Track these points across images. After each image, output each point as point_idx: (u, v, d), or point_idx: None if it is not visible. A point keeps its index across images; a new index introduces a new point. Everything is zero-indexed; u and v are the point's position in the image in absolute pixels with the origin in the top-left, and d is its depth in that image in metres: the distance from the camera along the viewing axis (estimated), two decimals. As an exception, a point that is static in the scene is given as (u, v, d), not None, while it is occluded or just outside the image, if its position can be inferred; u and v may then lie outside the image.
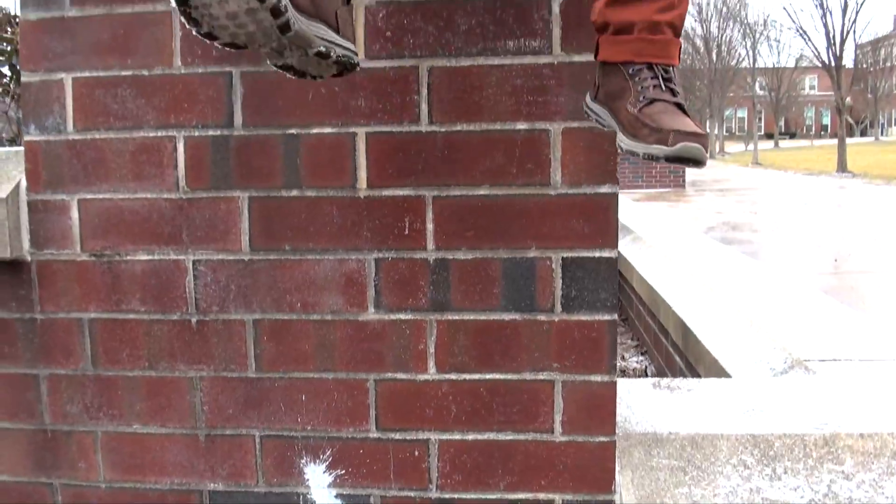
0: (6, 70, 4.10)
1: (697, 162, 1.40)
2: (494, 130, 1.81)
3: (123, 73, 1.92)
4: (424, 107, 1.81)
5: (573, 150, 1.79)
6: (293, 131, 1.85)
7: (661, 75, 1.49)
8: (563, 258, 1.82)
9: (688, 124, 1.40)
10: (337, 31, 1.43)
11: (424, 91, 1.81)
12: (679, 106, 1.46)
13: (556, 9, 1.77)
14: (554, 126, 1.79)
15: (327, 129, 1.84)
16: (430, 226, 1.84)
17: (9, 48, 4.07)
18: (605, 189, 1.80)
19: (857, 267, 8.52)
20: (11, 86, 4.10)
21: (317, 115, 1.85)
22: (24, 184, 1.98)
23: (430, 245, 1.84)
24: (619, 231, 4.93)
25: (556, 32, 1.78)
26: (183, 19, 1.25)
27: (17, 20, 4.23)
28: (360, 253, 1.86)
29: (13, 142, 4.30)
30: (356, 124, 1.83)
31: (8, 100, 4.21)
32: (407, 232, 1.85)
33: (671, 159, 1.41)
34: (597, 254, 1.81)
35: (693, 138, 1.37)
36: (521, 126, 1.80)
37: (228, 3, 1.23)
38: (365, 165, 1.84)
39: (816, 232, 11.22)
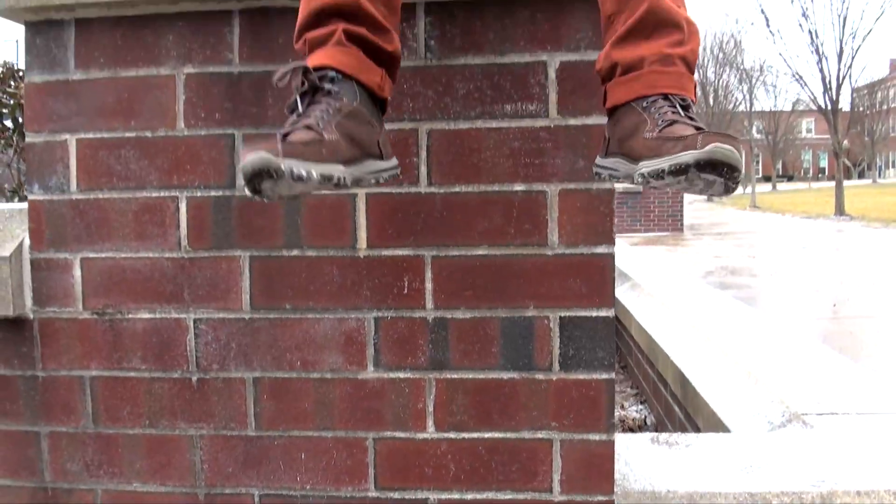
0: (9, 123, 4.15)
1: (732, 168, 1.26)
2: (492, 192, 1.83)
3: (127, 134, 1.95)
4: (423, 169, 1.84)
5: (570, 211, 1.82)
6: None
7: (679, 104, 1.40)
8: (560, 317, 1.83)
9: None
10: (381, 157, 1.50)
11: (424, 153, 1.84)
12: (701, 130, 1.33)
13: (552, 74, 1.81)
14: (551, 187, 1.82)
15: (328, 190, 1.87)
16: (429, 285, 1.86)
17: (12, 102, 4.12)
18: (601, 249, 1.82)
19: (855, 312, 8.53)
20: (14, 138, 4.14)
21: (317, 177, 1.87)
22: (27, 242, 2.01)
23: (429, 304, 1.86)
24: (617, 278, 4.91)
25: (553, 97, 1.81)
26: (255, 198, 1.34)
27: (21, 73, 4.29)
28: (359, 312, 1.88)
29: (15, 192, 4.34)
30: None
31: (11, 152, 4.25)
32: (406, 291, 1.87)
33: (703, 165, 1.26)
34: (594, 313, 1.83)
35: (724, 139, 1.26)
36: (519, 187, 1.83)
37: (297, 188, 1.34)
38: (365, 226, 1.87)
39: (815, 276, 11.24)
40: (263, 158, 1.28)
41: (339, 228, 1.87)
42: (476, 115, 1.83)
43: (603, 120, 1.76)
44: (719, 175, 1.27)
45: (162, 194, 1.94)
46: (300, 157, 1.31)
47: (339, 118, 1.41)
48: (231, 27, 1.90)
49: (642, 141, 1.38)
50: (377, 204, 1.86)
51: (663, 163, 1.31)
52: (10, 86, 4.18)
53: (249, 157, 1.29)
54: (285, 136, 1.36)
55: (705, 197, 45.38)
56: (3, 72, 4.23)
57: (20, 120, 4.03)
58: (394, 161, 1.56)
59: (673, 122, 1.36)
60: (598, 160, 1.58)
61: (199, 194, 1.92)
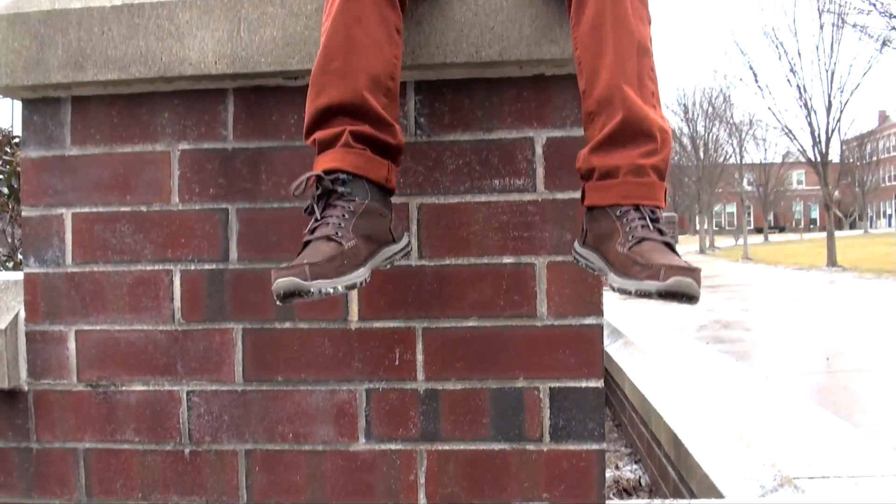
0: (4, 189, 4.18)
1: (690, 297, 1.38)
2: (482, 264, 1.87)
3: (122, 208, 1.98)
4: (415, 242, 1.87)
5: (558, 283, 1.85)
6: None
7: (649, 216, 1.51)
8: (550, 388, 1.85)
9: (678, 261, 1.42)
10: (394, 241, 1.64)
11: (415, 227, 1.88)
12: (668, 245, 1.48)
13: (539, 150, 1.85)
14: (539, 260, 1.85)
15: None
16: (420, 357, 1.88)
17: (7, 168, 4.16)
18: (590, 321, 1.85)
19: (849, 365, 8.54)
20: (10, 204, 4.17)
21: (310, 251, 1.91)
22: (22, 314, 2.03)
23: (420, 376, 1.88)
24: (610, 335, 4.97)
25: (540, 172, 1.85)
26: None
27: (17, 140, 4.34)
28: (351, 384, 1.90)
29: (9, 257, 4.36)
30: (348, 259, 1.89)
31: (7, 217, 4.28)
32: (397, 363, 1.89)
33: (664, 294, 1.39)
34: (583, 384, 1.85)
35: (685, 273, 1.37)
36: (508, 259, 1.86)
37: (314, 296, 1.44)
38: (357, 298, 1.89)
39: (808, 329, 11.26)
40: (294, 283, 1.41)
41: (331, 300, 1.90)
42: (465, 189, 1.87)
43: (589, 194, 1.80)
44: (679, 301, 1.39)
45: (156, 267, 1.97)
46: (326, 276, 1.44)
47: (355, 220, 1.53)
48: (225, 105, 1.95)
49: (615, 252, 1.51)
50: (369, 277, 1.88)
51: (630, 286, 1.45)
52: (5, 152, 4.22)
53: (281, 282, 1.42)
54: (306, 244, 1.51)
55: (697, 249, 45.59)
56: (-1, 138, 4.28)
57: (15, 186, 4.07)
58: (405, 240, 1.70)
59: (642, 240, 1.48)
60: (577, 248, 1.67)
61: (192, 267, 1.95)
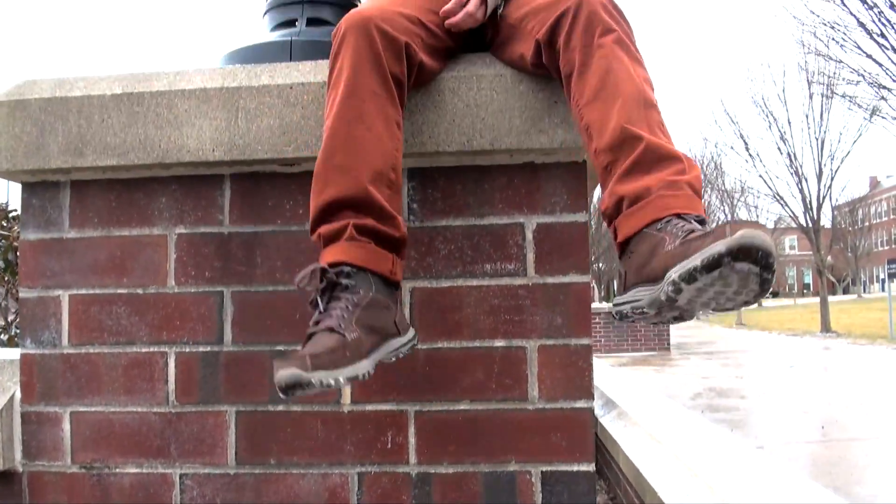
0: (0, 262, 4.21)
1: (767, 254, 1.22)
2: (474, 347, 1.89)
3: (119, 291, 2.01)
4: (407, 326, 1.89)
5: (549, 367, 1.87)
6: (281, 348, 1.93)
7: (695, 219, 1.40)
8: (542, 472, 1.86)
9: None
10: (399, 334, 1.63)
11: (408, 310, 1.90)
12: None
13: (529, 235, 1.89)
14: (530, 343, 1.88)
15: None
16: (412, 440, 1.89)
17: (3, 243, 4.19)
18: (580, 404, 1.86)
19: (845, 434, 8.50)
20: (6, 276, 4.20)
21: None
22: (18, 395, 2.04)
23: (413, 459, 1.89)
24: (604, 406, 4.93)
25: (530, 256, 1.89)
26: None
27: (13, 214, 4.38)
28: (343, 467, 1.91)
29: (4, 330, 4.37)
30: (341, 342, 1.91)
31: (3, 290, 4.30)
32: (390, 446, 1.90)
33: (735, 252, 1.22)
34: (575, 468, 1.86)
35: (753, 226, 1.28)
36: (500, 343, 1.89)
37: (315, 388, 1.41)
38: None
39: (803, 397, 11.22)
40: (295, 375, 1.38)
41: (325, 384, 1.91)
42: (457, 273, 1.90)
43: (579, 279, 1.84)
44: (754, 262, 1.22)
45: (151, 349, 1.99)
46: (327, 368, 1.42)
47: (359, 312, 1.53)
48: (222, 190, 1.99)
49: (663, 255, 1.36)
50: (362, 360, 1.90)
51: (695, 259, 1.26)
52: (2, 226, 4.26)
53: (282, 374, 1.39)
54: (309, 336, 1.50)
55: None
56: (-3, 212, 4.32)
57: (11, 260, 4.09)
58: (410, 333, 1.68)
59: (693, 231, 1.35)
60: (617, 298, 1.52)
61: (187, 350, 1.97)
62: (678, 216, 1.40)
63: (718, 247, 1.23)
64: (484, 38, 1.96)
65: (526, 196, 1.91)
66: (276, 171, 1.96)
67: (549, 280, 1.88)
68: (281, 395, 1.40)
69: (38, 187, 2.07)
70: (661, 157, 1.47)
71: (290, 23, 2.24)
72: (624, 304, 1.48)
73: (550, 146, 1.83)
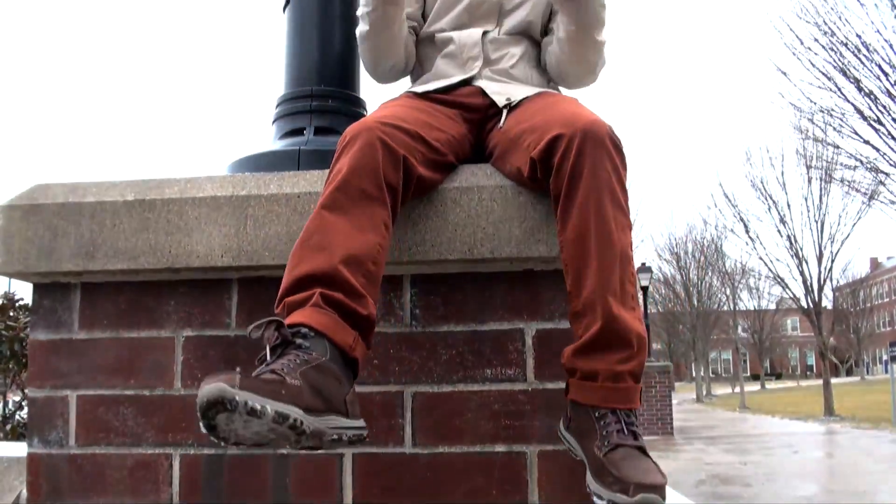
0: (6, 350, 4.24)
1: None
2: (474, 452, 1.92)
3: (126, 392, 2.04)
4: (408, 430, 1.93)
5: (549, 472, 1.89)
6: (282, 451, 1.96)
7: (624, 419, 1.60)
8: (541, 577, 1.87)
9: (649, 470, 1.50)
10: (346, 415, 1.52)
11: (409, 415, 1.94)
12: (641, 449, 1.56)
13: (529, 341, 1.94)
14: (530, 449, 1.91)
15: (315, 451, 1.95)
16: (413, 544, 1.91)
17: (10, 334, 4.23)
18: (580, 509, 1.88)
19: (849, 524, 8.40)
20: (10, 365, 4.23)
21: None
22: (24, 494, 2.06)
23: (414, 564, 1.90)
24: None
25: (530, 362, 1.93)
26: (212, 437, 1.36)
27: (20, 303, 4.43)
28: (345, 571, 1.92)
29: (6, 420, 4.39)
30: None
31: (7, 380, 4.33)
32: (391, 550, 1.91)
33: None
34: (574, 574, 1.87)
35: (652, 490, 1.46)
36: (500, 448, 1.91)
37: (252, 426, 1.34)
38: (351, 484, 1.93)
39: (807, 484, 11.11)
40: (220, 388, 1.29)
41: (326, 487, 1.94)
42: (458, 378, 1.94)
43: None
44: None
45: (156, 451, 2.01)
46: (257, 392, 1.32)
47: (306, 368, 1.44)
48: (230, 293, 2.04)
49: (593, 454, 1.60)
50: (363, 463, 1.93)
51: (603, 494, 1.53)
52: (9, 316, 4.30)
53: (206, 388, 1.30)
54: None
55: (694, 397, 45.25)
56: (3, 303, 4.37)
57: (16, 349, 4.13)
58: (360, 422, 1.57)
59: (617, 447, 1.56)
60: (563, 430, 1.74)
61: (192, 452, 2.00)
62: (613, 411, 1.61)
63: (619, 499, 1.49)
64: (485, 149, 2.04)
65: (526, 303, 1.96)
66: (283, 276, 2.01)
67: (549, 385, 1.92)
68: (201, 424, 1.31)
69: (49, 288, 2.12)
70: (614, 342, 1.64)
71: (298, 131, 2.32)
72: (566, 441, 1.74)
73: (549, 255, 1.88)
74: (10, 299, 4.44)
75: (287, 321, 1.54)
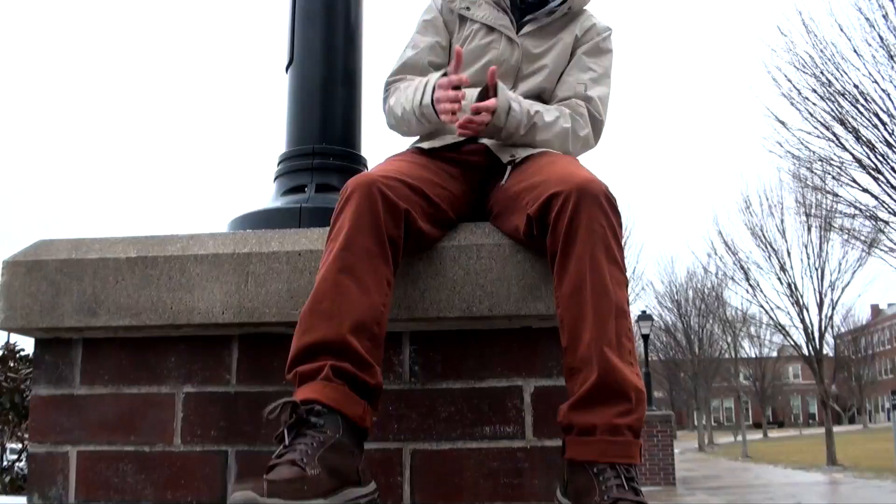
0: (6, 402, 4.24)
1: None
2: (473, 510, 1.92)
3: (126, 448, 2.05)
4: (407, 488, 1.93)
5: (548, 530, 1.89)
6: (283, 508, 1.96)
7: (624, 475, 1.58)
8: None
9: None
10: (359, 484, 1.62)
11: (407, 472, 1.94)
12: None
13: (527, 399, 1.95)
14: (529, 507, 1.91)
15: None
16: None
17: (10, 384, 4.23)
18: (579, 568, 1.88)
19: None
20: (10, 416, 4.23)
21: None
22: (22, 551, 2.05)
23: None
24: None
25: (529, 419, 1.94)
26: None
27: (21, 354, 4.44)
28: None
29: (2, 472, 4.37)
30: None
31: (7, 431, 4.33)
32: None
33: None
34: None
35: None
36: (499, 506, 1.92)
37: None
38: (350, 542, 1.93)
39: (810, 536, 11.01)
40: (249, 497, 1.40)
41: (326, 544, 1.93)
42: (457, 436, 1.95)
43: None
44: None
45: (155, 508, 2.01)
46: (282, 496, 1.44)
47: (322, 451, 1.54)
48: (230, 350, 2.05)
49: None
50: (363, 521, 1.93)
51: None
52: (9, 367, 4.31)
53: (237, 496, 1.42)
54: (271, 467, 1.51)
55: (696, 445, 44.93)
56: (3, 353, 4.38)
57: (15, 400, 4.13)
58: (371, 486, 1.68)
59: (616, 501, 1.54)
60: (560, 496, 1.71)
61: (191, 509, 2.00)
62: (612, 466, 1.59)
63: None
64: (485, 206, 2.07)
65: (524, 360, 1.97)
66: (284, 333, 2.02)
67: (547, 443, 1.93)
68: None
69: (51, 344, 2.14)
70: (612, 394, 1.64)
71: (299, 189, 2.35)
72: None
73: (547, 312, 1.90)
74: (11, 350, 4.45)
75: (299, 396, 1.63)
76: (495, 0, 2.24)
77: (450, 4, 2.28)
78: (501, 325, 1.98)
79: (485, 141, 2.10)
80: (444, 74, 2.04)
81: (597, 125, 2.21)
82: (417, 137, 2.21)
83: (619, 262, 1.74)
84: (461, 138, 2.10)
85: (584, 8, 2.32)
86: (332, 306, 1.69)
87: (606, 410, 1.62)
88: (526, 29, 2.24)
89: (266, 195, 2.47)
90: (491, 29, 2.22)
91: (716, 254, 31.88)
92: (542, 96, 2.23)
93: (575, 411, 1.65)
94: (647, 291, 35.98)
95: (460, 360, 1.99)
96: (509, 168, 2.02)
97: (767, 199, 28.98)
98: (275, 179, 2.44)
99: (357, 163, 2.46)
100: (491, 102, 1.98)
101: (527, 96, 2.19)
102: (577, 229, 1.71)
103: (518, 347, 1.98)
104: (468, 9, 2.26)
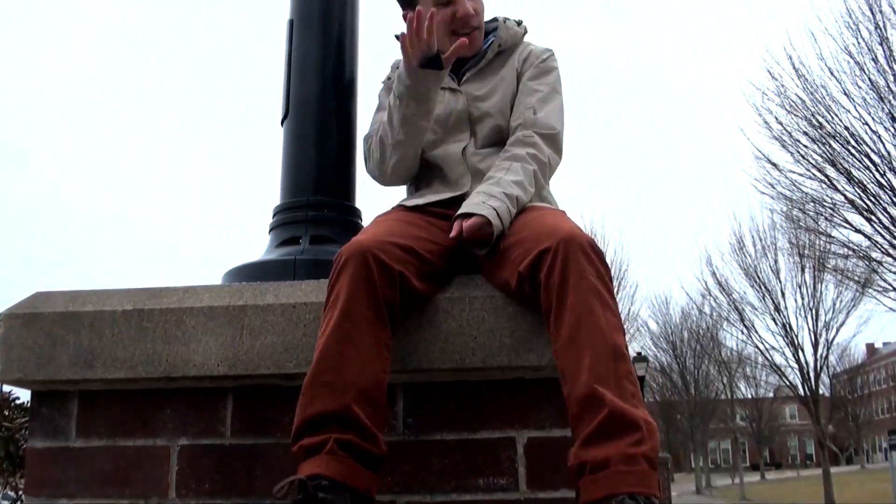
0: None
1: None
2: (467, 563, 1.92)
3: (122, 501, 2.05)
4: (401, 541, 1.94)
5: (542, 582, 1.90)
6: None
7: (644, 500, 1.51)
8: None
9: None
10: None
11: (402, 526, 1.94)
12: None
13: (520, 450, 1.96)
14: (523, 559, 1.91)
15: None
16: None
17: (4, 434, 4.22)
18: None
19: None
20: (5, 465, 4.21)
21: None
22: None
23: None
24: None
25: (522, 471, 1.95)
26: None
27: (16, 402, 4.43)
28: None
29: (-3, 521, 4.34)
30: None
31: (2, 479, 4.30)
32: None
33: None
34: None
35: None
36: (493, 559, 1.92)
37: None
38: None
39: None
40: None
41: None
42: (451, 488, 1.96)
43: (571, 494, 1.89)
44: None
45: (150, 562, 2.01)
46: None
47: None
48: (225, 403, 2.07)
49: None
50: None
51: None
52: (4, 416, 4.30)
53: None
54: None
55: (694, 488, 44.63)
56: (-2, 402, 4.37)
57: (10, 450, 4.12)
58: None
59: None
60: None
61: (185, 562, 2.00)
62: (631, 496, 1.51)
63: None
64: (476, 258, 2.09)
65: (517, 411, 1.98)
66: (278, 385, 2.04)
67: (541, 495, 1.93)
68: None
69: (47, 396, 2.15)
70: (622, 426, 1.59)
71: (294, 240, 2.37)
72: None
73: (539, 364, 1.92)
74: (6, 399, 4.44)
75: (305, 470, 1.66)
76: None
77: (391, 85, 2.28)
78: (494, 376, 1.99)
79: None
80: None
81: (553, 140, 2.23)
82: (403, 197, 2.26)
83: (613, 307, 1.76)
84: (444, 196, 2.14)
85: (522, 41, 2.39)
86: (335, 377, 1.72)
87: (619, 442, 1.57)
88: (466, 76, 2.31)
89: (260, 246, 2.49)
90: None
91: (710, 294, 31.96)
92: (501, 134, 2.27)
93: (585, 448, 1.60)
94: (642, 333, 35.96)
95: (453, 412, 2.00)
96: None
97: (761, 240, 29.14)
98: (270, 231, 2.47)
99: (352, 214, 2.49)
100: (488, 233, 1.97)
101: (486, 138, 2.25)
102: (569, 281, 1.73)
103: (511, 399, 1.99)
104: None
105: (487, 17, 2.36)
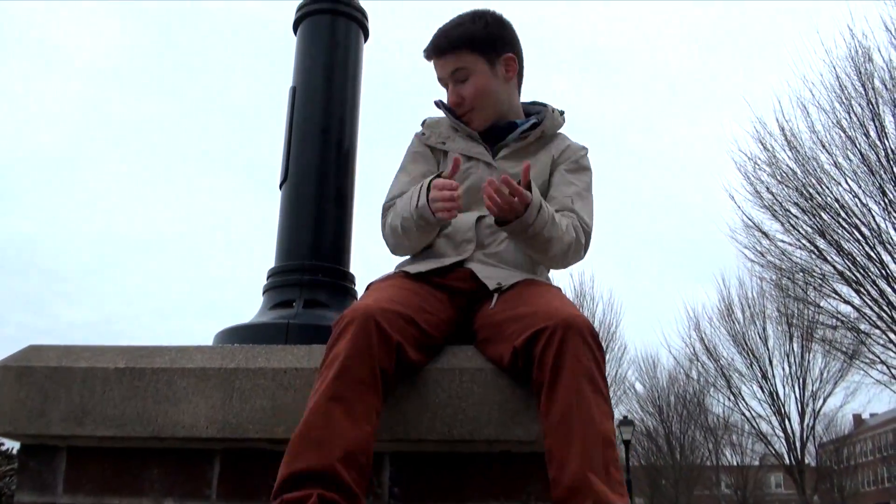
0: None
1: None
2: None
3: (105, 560, 2.05)
4: None
5: None
6: None
7: None
8: None
9: None
10: None
11: None
12: None
13: (504, 524, 1.96)
14: None
15: None
16: None
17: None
18: None
19: None
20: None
21: None
22: None
23: None
24: None
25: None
26: None
27: (9, 452, 4.40)
28: None
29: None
30: None
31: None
32: None
33: None
34: None
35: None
36: None
37: None
38: None
39: None
40: None
41: None
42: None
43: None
44: None
45: None
46: None
47: None
48: (212, 464, 2.07)
49: None
50: None
51: None
52: (3, 466, 4.27)
53: None
54: None
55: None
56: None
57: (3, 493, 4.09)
58: None
59: None
60: None
61: None
62: None
63: None
64: (470, 328, 2.12)
65: (503, 483, 2.00)
66: (266, 449, 2.05)
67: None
68: None
69: (36, 450, 2.15)
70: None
71: (287, 303, 2.40)
72: None
73: (527, 438, 1.94)
74: (3, 453, 4.40)
75: None
76: (467, 133, 2.38)
77: (426, 141, 2.41)
78: (481, 448, 2.01)
79: (471, 265, 2.17)
80: (439, 176, 2.13)
81: (588, 234, 2.30)
82: (403, 259, 2.29)
83: (604, 394, 1.80)
84: (447, 262, 2.16)
85: (559, 132, 2.46)
86: (323, 434, 1.71)
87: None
88: (502, 153, 2.36)
89: (254, 308, 2.51)
90: (468, 157, 2.33)
91: (697, 359, 31.93)
92: None
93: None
94: (629, 396, 35.83)
95: (440, 483, 2.01)
96: (496, 295, 2.08)
97: (750, 307, 29.20)
98: (264, 293, 2.49)
99: (346, 280, 2.52)
100: (528, 194, 2.05)
101: None
102: (564, 362, 1.77)
103: (497, 471, 2.01)
104: (444, 143, 2.39)
105: (528, 98, 2.49)
